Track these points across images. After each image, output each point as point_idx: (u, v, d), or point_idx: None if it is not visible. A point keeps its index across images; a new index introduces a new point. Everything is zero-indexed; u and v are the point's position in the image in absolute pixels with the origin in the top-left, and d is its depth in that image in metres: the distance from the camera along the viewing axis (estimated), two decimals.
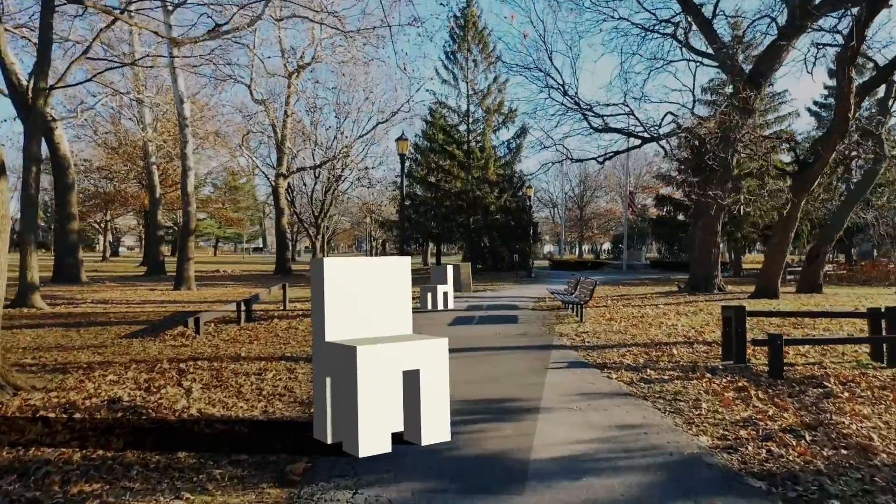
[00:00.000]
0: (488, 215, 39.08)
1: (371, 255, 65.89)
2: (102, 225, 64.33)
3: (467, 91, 39.48)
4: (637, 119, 21.99)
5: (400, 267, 4.39)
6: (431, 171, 40.46)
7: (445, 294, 18.15)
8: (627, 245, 57.92)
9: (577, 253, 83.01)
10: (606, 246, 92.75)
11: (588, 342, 10.81)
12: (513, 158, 39.46)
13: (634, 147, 25.68)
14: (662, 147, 22.58)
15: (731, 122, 20.15)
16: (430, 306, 17.62)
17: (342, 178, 52.30)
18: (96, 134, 41.92)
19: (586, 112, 24.08)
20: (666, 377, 7.70)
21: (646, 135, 23.80)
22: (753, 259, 52.75)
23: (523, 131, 38.81)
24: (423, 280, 34.22)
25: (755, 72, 21.30)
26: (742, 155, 22.53)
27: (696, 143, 22.59)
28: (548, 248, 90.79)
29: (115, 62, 23.46)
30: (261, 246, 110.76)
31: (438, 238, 42.77)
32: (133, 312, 16.00)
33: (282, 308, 16.59)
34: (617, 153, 25.61)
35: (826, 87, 45.37)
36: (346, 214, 71.12)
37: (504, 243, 40.29)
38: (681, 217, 37.19)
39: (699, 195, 21.29)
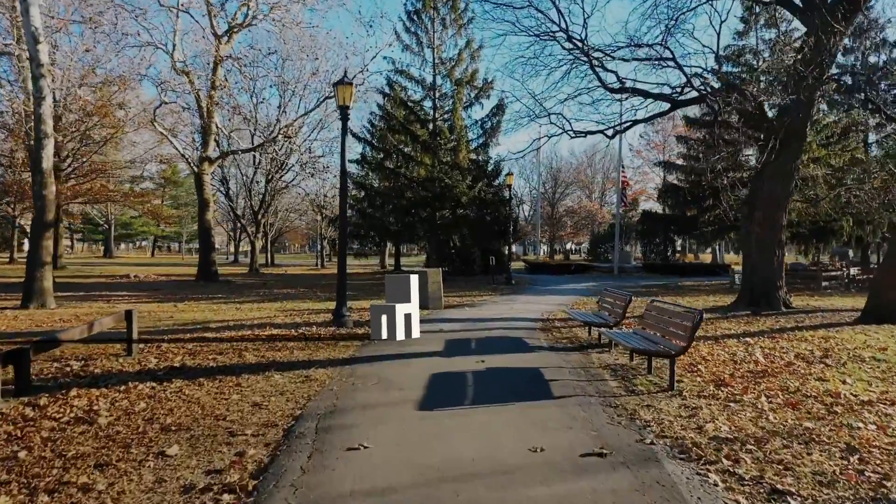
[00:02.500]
0: (458, 208, 32.42)
1: (321, 257, 58.54)
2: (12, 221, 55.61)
3: (433, 59, 32.73)
4: (677, 63, 15.53)
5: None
6: (389, 155, 33.54)
7: (408, 317, 11.82)
8: (612, 245, 51.99)
9: (544, 253, 76.96)
10: (582, 245, 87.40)
11: (752, 474, 4.23)
12: (488, 140, 32.78)
13: (660, 114, 19.29)
14: (712, 107, 16.17)
15: (813, 58, 13.92)
16: (384, 335, 11.24)
17: (286, 167, 45.11)
18: None
19: (598, 65, 17.74)
20: None
21: (679, 95, 17.48)
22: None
23: (500, 108, 32.21)
24: (378, 289, 27.35)
25: None
26: (823, 114, 16.29)
27: (751, 104, 16.35)
28: (513, 248, 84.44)
29: None
30: None
31: (398, 236, 35.92)
32: None
33: (125, 352, 9.56)
34: (636, 122, 19.22)
35: None
36: (294, 211, 63.65)
37: (477, 242, 33.67)
38: (686, 212, 30.86)
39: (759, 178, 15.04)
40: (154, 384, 7.43)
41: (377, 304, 12.94)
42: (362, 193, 35.19)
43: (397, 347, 10.36)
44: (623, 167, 36.48)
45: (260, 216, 46.61)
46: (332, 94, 31.95)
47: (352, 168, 36.34)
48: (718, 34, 15.49)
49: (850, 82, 14.43)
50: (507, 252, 30.84)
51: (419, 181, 32.68)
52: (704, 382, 7.43)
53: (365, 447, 5.09)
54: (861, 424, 5.65)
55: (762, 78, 17.51)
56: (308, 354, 9.61)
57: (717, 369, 8.23)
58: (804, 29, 16.30)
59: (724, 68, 30.00)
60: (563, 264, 41.05)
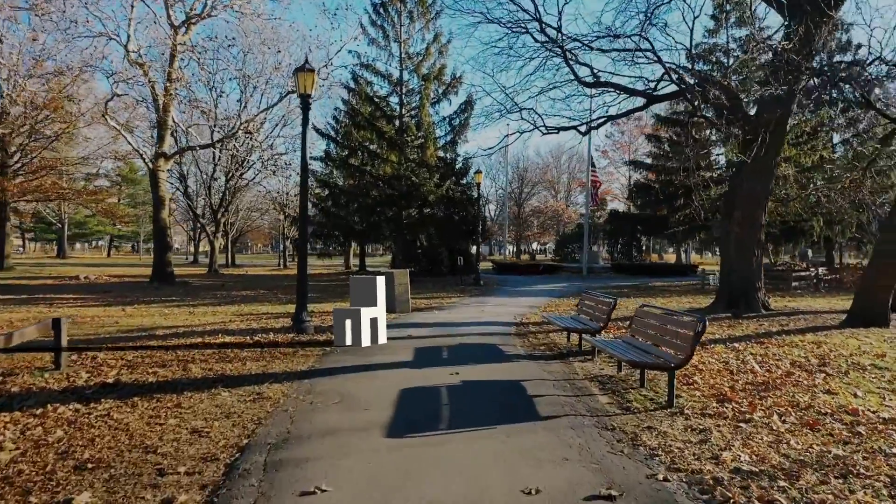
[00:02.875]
0: (426, 207, 31.51)
1: (284, 257, 57.05)
2: None
3: (400, 53, 31.74)
4: (656, 55, 14.87)
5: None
6: (354, 152, 32.45)
7: (373, 322, 10.95)
8: (580, 245, 51.73)
9: (510, 253, 76.52)
10: (547, 245, 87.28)
11: None
12: (456, 138, 31.90)
13: (635, 110, 18.67)
14: (690, 101, 15.57)
15: (801, 48, 13.42)
16: (348, 341, 10.41)
17: (247, 164, 43.66)
18: None
19: (573, 58, 17.08)
20: None
21: (655, 90, 16.90)
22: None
23: (469, 104, 31.35)
24: (342, 291, 26.31)
25: None
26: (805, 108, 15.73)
27: (731, 99, 15.87)
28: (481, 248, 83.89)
29: None
30: None
31: (363, 236, 34.86)
32: None
33: (53, 365, 8.41)
34: (610, 118, 18.61)
35: None
36: (256, 210, 62.01)
37: (445, 242, 32.81)
38: (656, 211, 30.39)
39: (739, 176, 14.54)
40: (79, 406, 6.40)
41: (341, 307, 12.03)
42: (326, 192, 34.06)
43: (363, 356, 9.45)
44: (594, 166, 36.02)
45: (220, 215, 45.06)
46: (294, 87, 30.93)
47: (315, 165, 35.19)
48: (692, 29, 14.81)
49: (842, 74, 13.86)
50: (475, 252, 30.03)
51: (385, 179, 31.70)
52: (705, 397, 6.69)
53: (322, 490, 4.19)
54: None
55: (733, 77, 17.03)
56: (262, 366, 8.64)
57: (714, 381, 7.51)
58: (775, 27, 15.84)
59: (697, 66, 29.73)
60: (532, 264, 40.44)
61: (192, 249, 78.78)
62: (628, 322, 10.39)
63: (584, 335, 9.70)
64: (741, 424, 5.65)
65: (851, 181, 21.37)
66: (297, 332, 12.08)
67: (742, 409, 6.14)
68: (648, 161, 30.74)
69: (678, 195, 27.91)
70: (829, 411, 6.09)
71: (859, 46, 33.50)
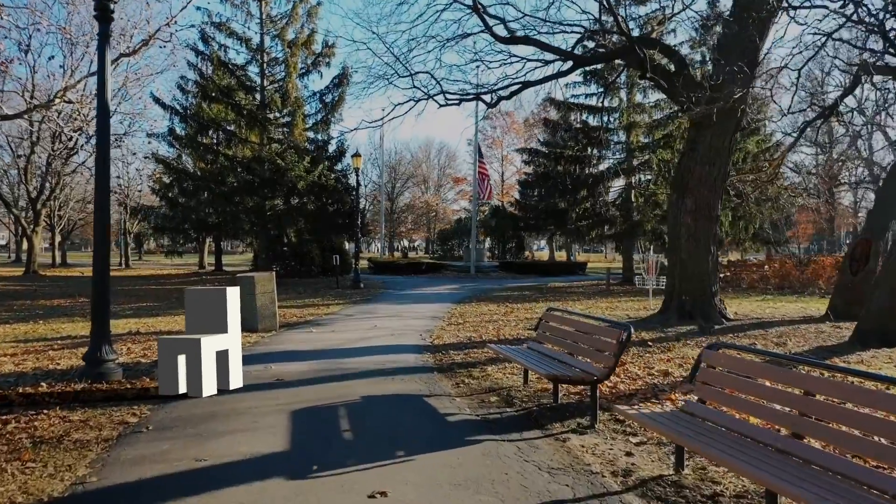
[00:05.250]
0: (294, 196, 26.80)
1: (126, 255, 49.49)
2: None
3: (261, 14, 26.78)
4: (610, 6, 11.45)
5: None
6: (206, 129, 27.02)
7: (222, 356, 7.46)
8: (460, 241, 48.64)
9: (378, 250, 72.59)
10: (417, 243, 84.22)
11: None
12: (329, 116, 27.36)
13: (556, 75, 15.26)
14: (630, 65, 12.36)
15: None
16: (182, 388, 7.00)
17: (76, 144, 36.43)
18: None
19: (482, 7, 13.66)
20: None
21: (587, 51, 13.73)
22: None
23: (344, 78, 26.90)
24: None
25: None
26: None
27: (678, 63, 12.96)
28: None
29: None
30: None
31: (219, 230, 29.47)
32: None
33: None
34: (526, 85, 15.09)
35: None
36: (92, 202, 53.66)
37: (317, 238, 28.21)
38: (558, 205, 27.47)
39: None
40: None
41: (171, 337, 7.68)
42: (173, 177, 28.35)
43: (195, 436, 5.16)
44: (482, 156, 32.81)
45: (40, 205, 37.46)
46: (129, 49, 25.10)
47: (158, 147, 29.25)
48: None
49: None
50: (354, 250, 25.74)
51: (244, 163, 26.65)
52: None
53: None
54: None
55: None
56: None
57: None
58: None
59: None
60: (414, 263, 36.71)
61: (21, 247, 67.86)
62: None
63: (580, 386, 5.95)
64: None
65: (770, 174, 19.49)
66: (91, 378, 7.44)
67: None
68: (544, 150, 27.86)
69: (581, 184, 25.22)
70: None
71: None
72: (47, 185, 37.65)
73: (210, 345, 7.12)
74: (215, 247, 40.12)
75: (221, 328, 7.55)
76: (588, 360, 6.12)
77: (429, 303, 18.45)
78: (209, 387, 7.05)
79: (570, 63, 14.85)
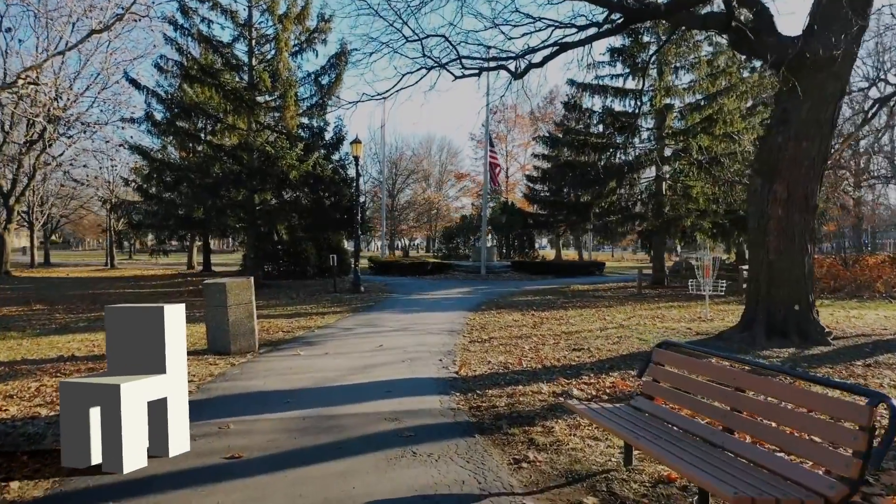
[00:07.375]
0: (286, 188, 23.96)
1: (111, 254, 46.58)
2: None
3: None
4: None
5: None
6: (187, 113, 24.13)
7: (157, 409, 4.93)
8: (464, 240, 45.87)
9: (378, 249, 69.80)
10: (417, 241, 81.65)
11: None
12: (325, 99, 24.47)
13: (603, 34, 12.43)
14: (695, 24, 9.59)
15: None
16: (95, 458, 4.57)
17: (50, 135, 33.57)
18: None
19: None
20: None
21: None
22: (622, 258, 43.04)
23: (342, 57, 24.02)
24: (178, 301, 18.03)
25: None
26: None
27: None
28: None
29: None
30: None
31: (204, 227, 26.63)
32: None
33: None
34: (564, 46, 12.34)
35: None
36: (76, 198, 50.67)
37: (312, 235, 25.36)
38: (580, 198, 24.60)
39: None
40: None
41: (78, 380, 4.97)
42: (150, 168, 25.52)
43: None
44: (492, 146, 30.01)
45: (13, 200, 34.59)
46: (101, 25, 22.30)
47: (135, 133, 26.43)
48: None
49: None
50: (354, 248, 22.85)
51: (230, 151, 23.81)
52: None
53: None
54: None
55: None
56: None
57: None
58: None
59: None
60: (418, 263, 33.84)
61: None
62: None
63: None
64: None
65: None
66: None
67: None
68: (567, 138, 24.82)
69: (608, 177, 22.29)
70: None
71: None
72: (20, 178, 34.79)
73: (136, 393, 4.62)
74: (204, 245, 37.31)
75: (158, 367, 4.89)
76: (781, 450, 3.34)
77: (441, 311, 15.68)
78: (134, 457, 4.56)
79: (617, 20, 12.09)
